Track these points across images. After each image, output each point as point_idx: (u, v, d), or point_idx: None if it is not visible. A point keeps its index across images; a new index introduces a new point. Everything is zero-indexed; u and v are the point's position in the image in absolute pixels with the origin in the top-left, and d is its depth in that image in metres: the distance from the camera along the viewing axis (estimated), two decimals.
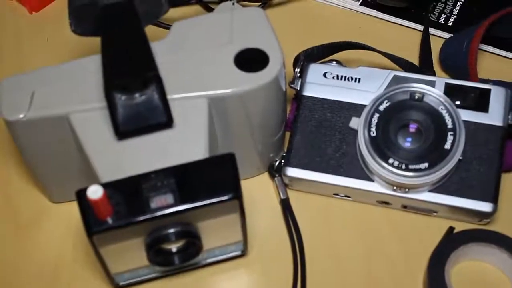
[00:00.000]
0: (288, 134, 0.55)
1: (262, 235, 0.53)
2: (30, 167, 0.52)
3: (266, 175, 0.56)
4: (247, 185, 0.54)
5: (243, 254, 0.51)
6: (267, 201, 0.55)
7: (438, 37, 0.63)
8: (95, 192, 0.42)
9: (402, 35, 0.64)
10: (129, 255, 0.47)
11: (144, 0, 0.49)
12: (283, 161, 0.53)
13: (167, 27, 0.61)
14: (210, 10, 0.66)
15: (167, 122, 0.46)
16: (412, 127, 0.50)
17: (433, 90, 0.50)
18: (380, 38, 0.63)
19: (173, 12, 0.64)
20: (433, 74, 0.59)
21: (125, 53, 0.46)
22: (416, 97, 0.50)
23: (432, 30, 0.63)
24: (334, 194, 0.53)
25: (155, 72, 0.45)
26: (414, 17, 0.64)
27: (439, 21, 0.64)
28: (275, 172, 0.54)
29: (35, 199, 0.55)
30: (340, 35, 0.64)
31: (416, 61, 0.61)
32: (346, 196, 0.53)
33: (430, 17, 0.64)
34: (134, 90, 0.45)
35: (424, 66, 0.60)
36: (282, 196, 0.54)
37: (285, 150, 0.54)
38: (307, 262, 0.51)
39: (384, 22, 0.65)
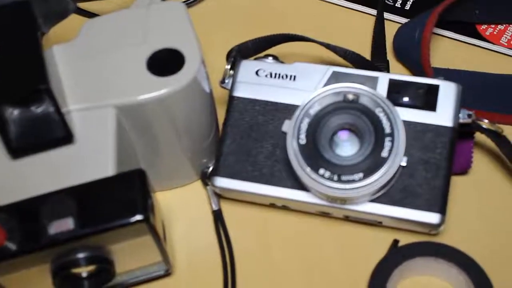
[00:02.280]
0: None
1: (192, 249, 0.49)
2: None
3: (200, 183, 0.51)
4: (178, 194, 0.51)
5: (167, 273, 0.47)
6: (199, 211, 0.50)
7: (395, 23, 0.58)
8: None
9: (356, 21, 0.59)
10: (36, 283, 0.43)
11: (45, 1, 0.44)
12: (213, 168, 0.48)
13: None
14: None
15: (66, 137, 0.41)
16: (344, 134, 0.45)
17: (369, 90, 0.45)
18: (332, 25, 0.58)
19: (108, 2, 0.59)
20: (386, 65, 0.54)
21: (14, 62, 0.41)
22: (351, 99, 0.45)
23: (387, 15, 0.58)
24: (271, 204, 0.48)
25: (46, 85, 0.40)
26: (368, 1, 0.59)
27: (396, 5, 0.58)
28: (208, 179, 0.50)
29: None
30: (289, 23, 0.59)
31: (369, 50, 0.56)
32: (283, 206, 0.48)
33: (386, 1, 0.58)
34: (27, 104, 0.40)
35: (376, 56, 0.55)
36: (214, 207, 0.49)
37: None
38: (240, 278, 0.47)
39: (335, 7, 0.59)
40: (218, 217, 0.49)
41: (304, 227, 0.49)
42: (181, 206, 0.50)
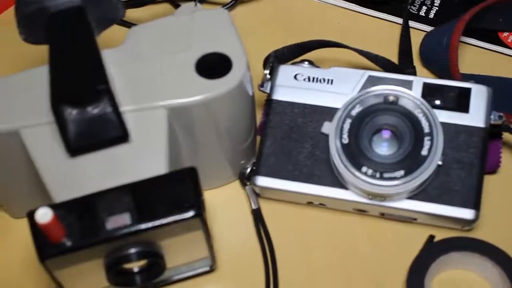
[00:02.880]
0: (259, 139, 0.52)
1: (233, 247, 0.50)
2: None
3: (238, 183, 0.53)
4: (217, 194, 0.52)
5: (211, 269, 0.48)
6: (238, 210, 0.52)
7: (419, 30, 0.60)
8: (44, 216, 0.39)
9: (382, 29, 0.61)
10: (89, 276, 0.44)
11: (97, 4, 0.46)
12: (254, 168, 0.50)
13: None
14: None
15: (122, 136, 0.43)
16: (386, 133, 0.47)
17: (408, 92, 0.47)
18: (359, 33, 0.61)
19: (142, 11, 0.61)
20: (413, 70, 0.56)
21: (73, 63, 0.43)
22: (391, 100, 0.47)
23: (412, 23, 0.60)
24: (308, 202, 0.50)
25: (106, 85, 0.42)
26: (394, 9, 0.61)
27: (420, 13, 0.61)
28: (246, 180, 0.52)
29: None
30: (317, 30, 0.61)
31: (396, 56, 0.58)
32: (320, 204, 0.50)
33: (410, 9, 0.61)
34: (85, 104, 0.42)
35: (403, 63, 0.57)
36: (253, 206, 0.51)
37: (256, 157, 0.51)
38: (281, 274, 0.49)
39: (363, 16, 0.62)
40: (257, 215, 0.51)
41: (341, 225, 0.50)
42: (221, 205, 0.52)
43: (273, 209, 0.51)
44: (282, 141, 0.49)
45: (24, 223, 0.53)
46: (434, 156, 0.46)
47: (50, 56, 0.44)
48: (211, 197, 0.52)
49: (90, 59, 0.43)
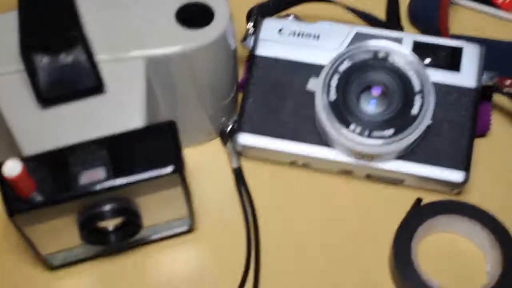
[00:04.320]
0: (241, 96, 0.49)
1: (213, 207, 0.48)
2: None
3: (218, 141, 0.51)
4: (197, 152, 0.50)
5: (190, 229, 0.46)
6: (218, 169, 0.50)
7: None
8: (12, 168, 0.37)
9: None
10: (61, 234, 0.42)
11: None
12: (235, 126, 0.48)
13: None
14: None
15: (97, 87, 0.41)
16: (376, 90, 0.45)
17: (399, 48, 0.45)
18: None
19: None
20: (401, 29, 0.54)
21: (44, 8, 0.40)
22: (380, 56, 0.45)
23: None
24: (292, 162, 0.48)
25: (79, 31, 0.39)
26: None
27: None
28: (227, 137, 0.49)
29: None
30: None
31: (383, 14, 0.56)
32: (304, 164, 0.48)
33: None
34: (56, 51, 0.40)
35: (391, 20, 0.55)
36: (234, 165, 0.49)
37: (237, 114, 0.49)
38: (262, 236, 0.47)
39: None
40: (238, 175, 0.49)
41: (326, 187, 0.49)
42: (200, 164, 0.49)
43: (254, 168, 0.49)
44: (265, 98, 0.47)
45: None
46: (424, 115, 0.44)
47: (20, 1, 0.41)
48: (190, 155, 0.49)
49: (62, 4, 0.40)
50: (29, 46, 0.39)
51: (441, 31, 0.52)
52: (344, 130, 0.44)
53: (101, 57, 0.41)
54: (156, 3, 0.44)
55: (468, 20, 0.57)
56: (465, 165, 0.45)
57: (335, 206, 0.48)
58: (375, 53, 0.45)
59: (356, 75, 0.45)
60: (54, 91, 0.40)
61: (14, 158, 0.37)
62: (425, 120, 0.44)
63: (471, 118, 0.46)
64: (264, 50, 0.48)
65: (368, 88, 0.45)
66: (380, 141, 0.43)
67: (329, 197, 0.48)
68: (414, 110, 0.44)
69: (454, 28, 0.55)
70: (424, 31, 0.55)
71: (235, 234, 0.47)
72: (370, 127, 0.44)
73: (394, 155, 0.45)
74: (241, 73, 0.51)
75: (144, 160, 0.39)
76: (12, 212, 0.38)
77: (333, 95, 0.44)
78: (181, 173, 0.40)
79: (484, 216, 0.45)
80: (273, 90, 0.47)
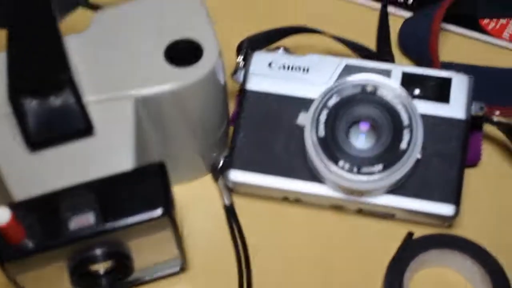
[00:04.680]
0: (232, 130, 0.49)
1: (205, 245, 0.48)
2: None
3: (210, 177, 0.51)
4: (188, 189, 0.50)
5: (182, 269, 0.46)
6: (210, 206, 0.50)
7: (398, 17, 0.58)
8: (1, 216, 0.37)
9: (360, 14, 0.58)
10: (52, 280, 0.42)
11: None
12: (226, 161, 0.48)
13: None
14: None
15: (86, 129, 0.40)
16: (364, 125, 0.45)
17: (387, 82, 0.45)
18: (337, 18, 0.58)
19: None
20: (392, 58, 0.54)
21: (33, 51, 0.40)
22: (369, 90, 0.45)
23: (391, 9, 0.58)
24: (284, 197, 0.48)
25: (68, 74, 0.39)
26: None
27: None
28: (219, 173, 0.49)
29: None
30: (293, 15, 0.58)
31: (374, 44, 0.56)
32: (296, 199, 0.48)
33: None
34: (45, 94, 0.39)
35: (382, 50, 0.55)
36: (226, 202, 0.49)
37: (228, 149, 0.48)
38: (255, 273, 0.47)
39: (340, 1, 0.59)
40: (230, 212, 0.49)
41: (317, 222, 0.48)
42: (192, 201, 0.49)
43: (246, 204, 0.49)
44: (256, 133, 0.47)
45: None
46: (413, 150, 0.44)
47: (8, 42, 0.41)
48: (181, 192, 0.49)
49: (51, 47, 0.40)
50: (17, 90, 0.39)
51: (432, 60, 0.52)
52: (333, 167, 0.44)
53: (90, 98, 0.41)
54: (144, 41, 0.44)
55: (458, 46, 0.57)
56: (455, 198, 0.45)
57: (327, 241, 0.48)
58: (363, 87, 0.45)
59: (345, 110, 0.45)
60: (43, 134, 0.40)
61: (3, 206, 0.37)
62: (414, 155, 0.44)
63: (461, 150, 0.45)
64: (255, 84, 0.48)
65: (357, 122, 0.45)
66: (369, 177, 0.43)
67: (321, 232, 0.48)
68: (403, 145, 0.44)
69: (444, 55, 0.55)
70: (415, 59, 0.55)
71: (228, 272, 0.47)
72: (359, 163, 0.44)
73: (384, 190, 0.45)
74: (232, 107, 0.51)
75: (133, 203, 0.39)
76: (2, 259, 0.38)
77: (322, 131, 0.44)
78: (170, 216, 0.40)
79: (475, 250, 0.45)
80: (264, 124, 0.47)
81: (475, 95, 0.48)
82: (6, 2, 0.42)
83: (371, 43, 0.56)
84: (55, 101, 0.40)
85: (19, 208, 0.38)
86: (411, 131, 0.44)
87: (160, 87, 0.42)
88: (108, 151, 0.41)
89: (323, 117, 0.45)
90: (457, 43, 0.57)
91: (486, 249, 0.45)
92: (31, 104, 0.40)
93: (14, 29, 0.41)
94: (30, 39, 0.41)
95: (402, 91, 0.45)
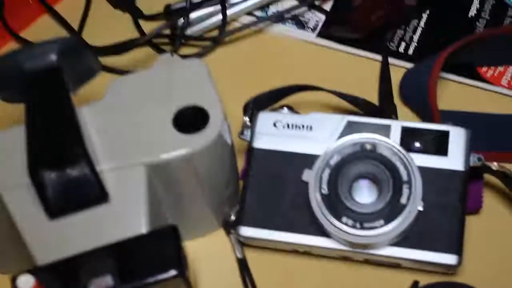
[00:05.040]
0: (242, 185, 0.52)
1: None
2: None
3: (222, 231, 0.53)
4: (201, 244, 0.52)
5: None
6: (224, 259, 0.52)
7: (399, 67, 0.60)
8: (25, 283, 0.39)
9: (362, 67, 0.61)
10: None
11: (74, 64, 0.46)
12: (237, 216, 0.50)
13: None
14: (161, 51, 0.63)
15: (101, 197, 0.43)
16: (365, 182, 0.47)
17: (385, 140, 0.47)
18: (339, 71, 0.61)
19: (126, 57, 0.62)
20: (394, 109, 0.56)
21: (49, 126, 0.43)
22: (368, 149, 0.47)
23: (392, 60, 0.60)
24: (293, 250, 0.50)
25: (83, 148, 0.42)
26: (373, 47, 0.61)
27: (399, 50, 0.61)
28: (231, 228, 0.52)
29: None
30: (296, 70, 0.61)
31: (376, 94, 0.58)
32: (305, 252, 0.50)
33: (389, 46, 0.61)
34: (62, 167, 0.42)
35: (384, 101, 0.57)
36: (238, 256, 0.51)
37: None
38: None
39: (342, 54, 0.62)
40: (243, 264, 0.51)
41: (327, 271, 0.51)
42: (205, 255, 0.51)
43: (259, 257, 0.51)
44: (264, 190, 0.49)
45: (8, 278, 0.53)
46: (413, 204, 0.46)
47: (26, 118, 0.44)
48: (195, 247, 0.51)
49: (66, 122, 0.43)
50: (36, 164, 0.42)
51: (431, 111, 0.54)
52: (336, 223, 0.46)
53: (104, 166, 0.44)
54: (154, 110, 0.46)
55: (458, 94, 0.59)
56: (457, 248, 0.47)
57: None
58: (362, 146, 0.47)
59: (346, 168, 0.47)
60: (61, 203, 0.43)
61: (27, 273, 0.39)
62: (414, 209, 0.46)
63: (460, 201, 0.47)
64: (261, 142, 0.51)
65: (358, 179, 0.47)
66: (371, 232, 0.45)
67: (330, 281, 0.50)
68: (403, 200, 0.46)
69: (444, 103, 0.57)
70: (416, 110, 0.58)
71: None
72: (361, 218, 0.46)
73: (388, 242, 0.47)
74: (241, 163, 0.53)
75: (148, 265, 0.41)
76: None
77: (325, 189, 0.47)
78: (184, 276, 0.42)
79: None
80: (271, 181, 0.50)
81: (475, 141, 0.50)
82: (23, 79, 0.45)
83: (374, 94, 0.58)
84: (72, 172, 0.42)
85: (41, 273, 0.41)
86: (410, 187, 0.46)
87: (170, 154, 0.45)
88: (123, 216, 0.43)
89: (325, 175, 0.47)
90: (456, 91, 0.59)
91: None
92: (49, 176, 0.42)
93: (31, 105, 0.44)
94: (46, 114, 0.44)
95: (400, 148, 0.47)
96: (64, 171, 0.43)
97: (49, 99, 0.44)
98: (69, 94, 0.45)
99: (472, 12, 0.62)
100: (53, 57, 0.45)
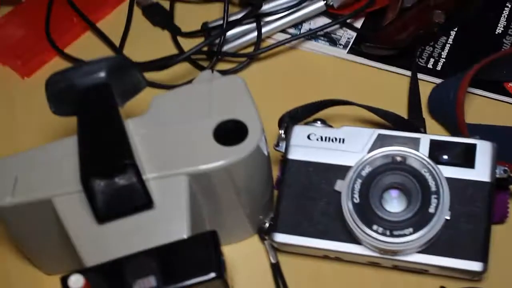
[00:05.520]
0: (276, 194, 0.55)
1: None
2: (19, 245, 0.52)
3: (257, 237, 0.56)
4: (237, 249, 0.55)
5: None
6: (258, 264, 0.55)
7: (428, 82, 0.63)
8: (76, 282, 0.42)
9: (392, 82, 0.63)
10: None
11: (121, 80, 0.49)
12: (272, 223, 0.53)
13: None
14: (199, 67, 0.66)
15: (146, 204, 0.46)
16: (394, 192, 0.49)
17: (415, 152, 0.50)
18: (370, 86, 0.63)
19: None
20: (422, 123, 0.59)
21: (100, 139, 0.46)
22: (398, 160, 0.50)
23: (421, 75, 0.63)
24: (325, 255, 0.53)
25: (131, 159, 0.45)
26: (403, 63, 0.64)
27: (428, 66, 0.63)
28: (265, 234, 0.54)
29: (30, 272, 0.56)
30: (329, 85, 0.64)
31: (406, 108, 0.61)
32: (336, 257, 0.53)
33: (419, 62, 0.63)
34: (112, 176, 0.45)
35: (413, 114, 0.60)
36: (272, 260, 0.54)
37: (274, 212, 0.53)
38: None
39: (373, 69, 0.64)
40: (277, 269, 0.53)
41: (356, 277, 0.53)
42: (241, 260, 0.54)
43: (291, 262, 0.54)
44: (298, 199, 0.52)
45: (55, 279, 0.56)
46: (441, 213, 0.48)
47: (79, 131, 0.47)
48: (231, 252, 0.54)
49: (116, 134, 0.47)
50: (88, 173, 0.45)
51: (459, 126, 0.56)
52: (367, 230, 0.48)
53: (149, 175, 0.47)
54: (195, 122, 0.49)
55: (484, 108, 0.61)
56: (482, 255, 0.49)
57: None
58: (393, 158, 0.50)
59: (377, 179, 0.50)
60: (109, 210, 0.46)
61: (77, 273, 0.43)
62: (442, 218, 0.48)
63: (487, 211, 0.50)
64: (295, 154, 0.53)
65: (388, 189, 0.50)
66: (401, 239, 0.48)
67: (360, 286, 0.53)
68: (431, 209, 0.48)
69: (471, 117, 0.59)
70: (444, 124, 0.60)
71: None
72: (391, 227, 0.48)
73: (416, 249, 0.49)
74: (275, 172, 0.56)
75: (189, 268, 0.44)
76: None
77: (357, 198, 0.49)
78: (223, 278, 0.45)
79: None
80: (305, 191, 0.52)
81: (502, 154, 0.52)
82: (75, 94, 0.48)
83: (403, 109, 0.61)
84: (120, 181, 0.46)
85: (90, 273, 0.44)
86: (438, 197, 0.48)
87: (210, 165, 0.48)
88: (166, 222, 0.46)
89: (357, 186, 0.50)
90: (483, 105, 0.61)
91: None
92: (99, 185, 0.45)
93: (83, 119, 0.48)
94: (97, 126, 0.47)
95: (428, 160, 0.49)
96: (113, 179, 0.46)
97: (99, 113, 0.48)
98: (118, 108, 0.48)
99: (499, 29, 0.64)
100: (102, 74, 0.49)
